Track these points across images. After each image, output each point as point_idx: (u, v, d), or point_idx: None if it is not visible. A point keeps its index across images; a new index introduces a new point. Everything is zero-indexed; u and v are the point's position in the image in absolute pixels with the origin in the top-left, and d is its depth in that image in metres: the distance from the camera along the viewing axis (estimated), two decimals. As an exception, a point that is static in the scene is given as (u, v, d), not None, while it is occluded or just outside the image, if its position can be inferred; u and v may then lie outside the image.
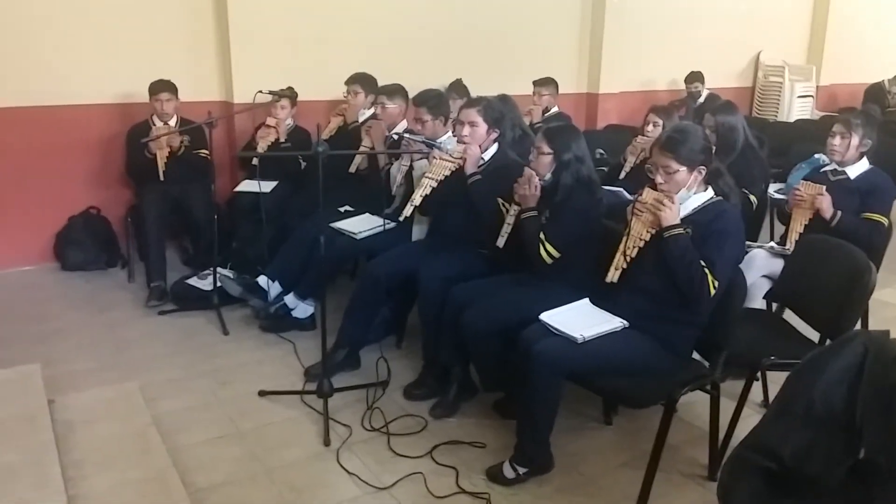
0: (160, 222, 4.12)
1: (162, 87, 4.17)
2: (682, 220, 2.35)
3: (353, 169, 4.07)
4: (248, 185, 4.27)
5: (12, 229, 4.38)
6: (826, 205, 3.17)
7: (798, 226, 3.27)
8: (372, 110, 4.28)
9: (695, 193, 2.41)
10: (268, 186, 4.17)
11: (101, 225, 4.58)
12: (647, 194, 2.40)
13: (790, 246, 3.19)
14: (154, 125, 4.18)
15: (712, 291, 2.25)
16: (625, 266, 2.43)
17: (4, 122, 4.23)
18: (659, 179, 2.39)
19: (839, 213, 3.16)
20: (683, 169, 2.36)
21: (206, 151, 3.93)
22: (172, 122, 4.24)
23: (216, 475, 2.47)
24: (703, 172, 2.39)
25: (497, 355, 2.68)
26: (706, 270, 2.26)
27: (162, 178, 4.13)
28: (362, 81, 4.43)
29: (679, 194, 2.37)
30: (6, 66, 4.18)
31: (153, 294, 3.94)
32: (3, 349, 3.32)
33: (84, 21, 4.38)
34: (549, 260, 2.70)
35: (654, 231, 2.37)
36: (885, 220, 3.16)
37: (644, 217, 2.39)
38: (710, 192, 2.44)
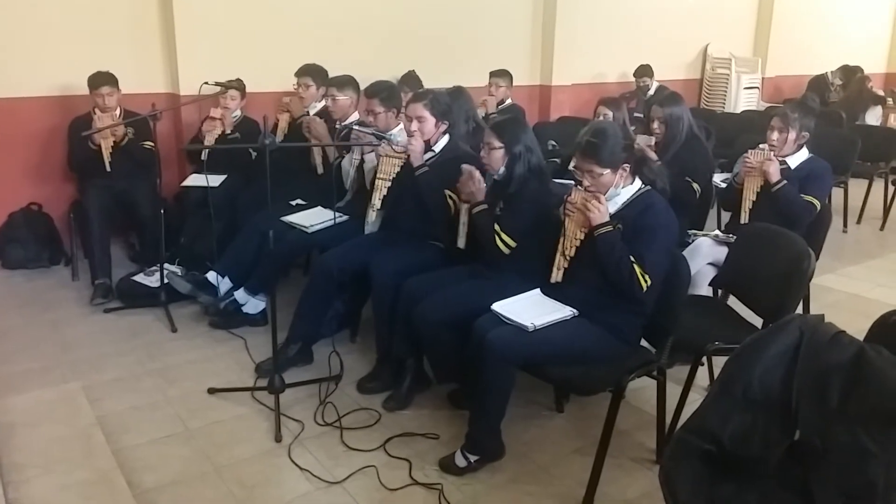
0: (104, 217, 4.00)
1: (102, 81, 4.02)
2: (612, 215, 2.39)
3: (321, 170, 3.97)
4: (195, 180, 4.18)
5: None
6: (773, 169, 3.31)
7: (750, 194, 3.40)
8: (323, 102, 4.22)
9: (623, 187, 2.45)
10: (216, 180, 4.07)
11: (42, 221, 4.43)
12: (576, 195, 2.44)
13: (744, 216, 3.35)
14: (96, 116, 4.03)
15: (643, 286, 2.30)
16: (566, 266, 2.48)
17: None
18: (586, 183, 2.42)
19: (784, 182, 3.30)
20: (608, 171, 2.39)
21: (151, 143, 3.83)
22: (116, 115, 4.11)
23: (164, 475, 2.42)
24: (628, 169, 2.43)
25: (450, 346, 2.68)
26: (634, 266, 2.30)
27: (108, 168, 4.00)
28: (313, 73, 4.36)
29: (607, 193, 2.41)
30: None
31: (98, 292, 3.83)
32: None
33: (21, 9, 4.22)
34: (506, 250, 2.72)
35: (586, 230, 2.42)
36: (817, 203, 3.30)
37: (575, 217, 2.44)
38: (637, 184, 2.48)
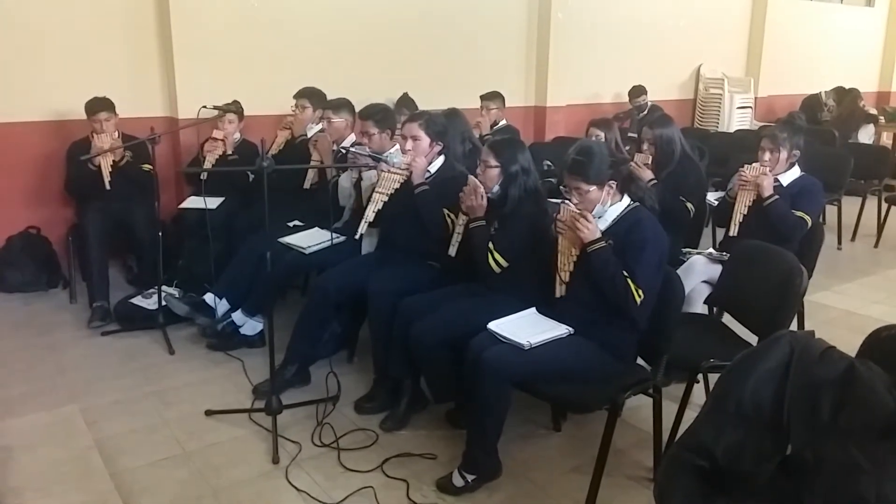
0: (102, 240, 4.02)
1: (99, 107, 4.05)
2: (603, 232, 2.42)
3: (307, 185, 4.04)
4: (193, 202, 4.21)
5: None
6: (767, 183, 3.36)
7: (742, 207, 3.44)
8: (321, 125, 4.27)
9: (611, 205, 2.49)
10: (214, 202, 4.12)
11: (41, 245, 4.44)
12: (564, 212, 2.47)
13: (733, 229, 3.39)
14: (95, 137, 4.05)
15: (637, 300, 2.32)
16: (566, 281, 2.51)
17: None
18: (574, 200, 2.46)
19: (776, 196, 3.34)
20: (594, 188, 2.43)
21: (150, 167, 3.87)
22: (115, 137, 4.13)
23: (161, 498, 2.41)
24: (615, 186, 2.46)
25: (447, 366, 2.69)
26: (628, 280, 2.32)
27: (108, 186, 4.02)
28: (310, 96, 4.43)
29: (595, 210, 2.45)
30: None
31: (96, 314, 3.84)
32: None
33: (19, 35, 4.27)
34: (497, 269, 2.74)
35: (579, 247, 2.44)
36: (808, 219, 3.34)
37: (567, 234, 2.47)
38: (626, 201, 2.52)
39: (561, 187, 2.54)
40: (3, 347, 3.59)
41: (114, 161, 4.07)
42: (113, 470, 2.54)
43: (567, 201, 2.47)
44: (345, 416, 2.95)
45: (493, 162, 2.78)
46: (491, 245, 2.73)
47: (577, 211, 2.42)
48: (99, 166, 4.02)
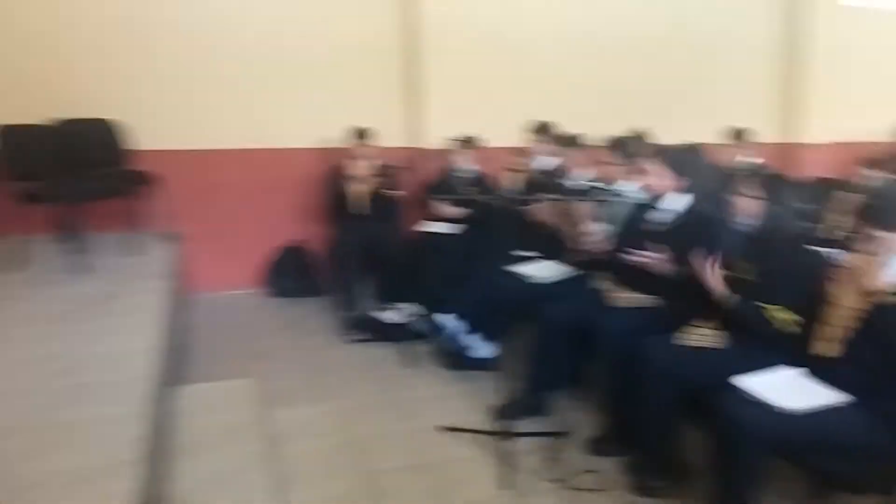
0: (356, 257, 4.42)
1: (362, 136, 4.53)
2: None
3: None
4: (435, 226, 4.48)
5: (227, 256, 4.92)
6: None
7: None
8: (552, 159, 4.32)
9: None
10: (455, 228, 4.33)
11: (304, 257, 5.01)
12: (852, 258, 2.25)
13: None
14: (351, 165, 4.50)
15: None
16: (840, 339, 2.27)
17: (228, 161, 4.83)
18: (866, 248, 2.21)
19: None
20: (893, 235, 2.17)
21: (399, 191, 4.18)
22: (371, 165, 4.54)
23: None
24: None
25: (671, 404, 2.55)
26: None
27: (363, 211, 4.43)
28: (544, 131, 4.55)
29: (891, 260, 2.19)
30: (228, 116, 4.79)
31: (346, 323, 4.22)
32: (221, 363, 3.72)
33: (291, 74, 4.89)
34: (794, 328, 2.45)
35: (870, 300, 2.19)
36: None
37: (850, 284, 2.24)
38: None
39: (849, 235, 2.31)
40: (274, 345, 4.09)
41: (368, 189, 4.47)
42: (364, 468, 2.77)
43: (851, 253, 2.25)
44: (577, 452, 2.91)
45: (756, 193, 2.64)
46: (770, 304, 2.48)
47: (869, 257, 2.19)
48: (355, 192, 4.44)
